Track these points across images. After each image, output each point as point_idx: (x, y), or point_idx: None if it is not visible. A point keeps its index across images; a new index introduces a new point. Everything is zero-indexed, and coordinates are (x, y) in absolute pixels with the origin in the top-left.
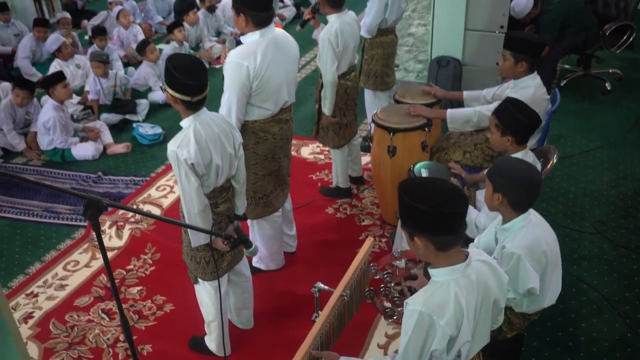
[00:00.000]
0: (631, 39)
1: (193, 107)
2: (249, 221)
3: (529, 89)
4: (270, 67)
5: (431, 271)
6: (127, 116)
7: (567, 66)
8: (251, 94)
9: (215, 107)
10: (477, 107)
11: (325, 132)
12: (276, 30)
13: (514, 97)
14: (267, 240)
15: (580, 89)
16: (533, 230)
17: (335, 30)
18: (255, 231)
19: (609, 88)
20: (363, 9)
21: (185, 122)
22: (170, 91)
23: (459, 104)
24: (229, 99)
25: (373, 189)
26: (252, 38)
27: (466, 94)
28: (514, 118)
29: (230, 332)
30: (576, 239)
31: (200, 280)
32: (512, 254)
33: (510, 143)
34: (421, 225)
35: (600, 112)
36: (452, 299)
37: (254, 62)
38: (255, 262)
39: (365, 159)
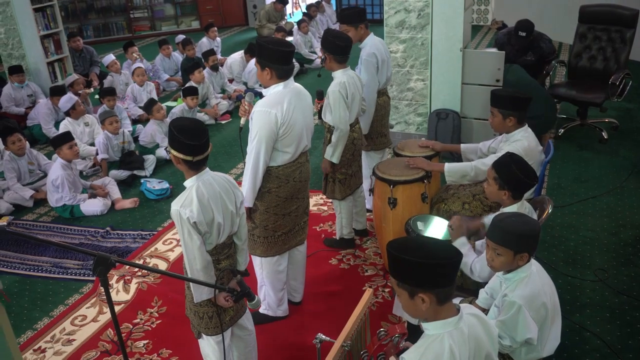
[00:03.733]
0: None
1: (195, 167)
2: (256, 265)
3: (522, 141)
4: (294, 114)
5: (425, 325)
6: (135, 172)
7: (564, 116)
8: (277, 139)
9: (222, 161)
10: (473, 162)
11: (332, 185)
12: (293, 81)
13: (514, 153)
14: (274, 284)
15: (577, 138)
16: (534, 281)
17: (344, 83)
18: (264, 274)
19: (605, 137)
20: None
21: (188, 182)
22: (173, 151)
23: (459, 155)
24: (258, 146)
25: (376, 239)
26: (276, 89)
27: (464, 146)
28: (513, 174)
29: None
30: (578, 287)
31: (203, 335)
32: (513, 303)
33: (506, 197)
34: (425, 280)
35: (598, 161)
36: (446, 352)
37: (281, 110)
38: (263, 309)
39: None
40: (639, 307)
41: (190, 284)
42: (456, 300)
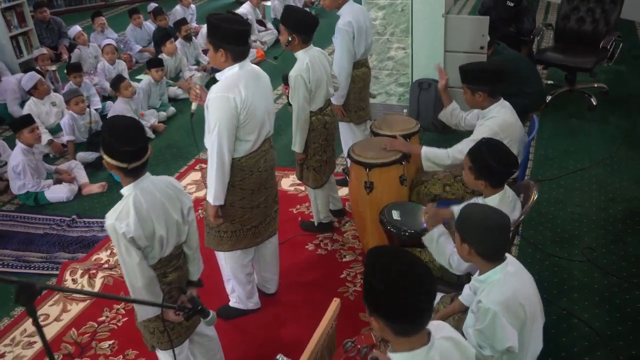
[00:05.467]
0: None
1: (132, 174)
2: (219, 259)
3: (496, 118)
4: (254, 97)
5: (391, 356)
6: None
7: (550, 82)
8: (239, 126)
9: (188, 141)
10: (450, 150)
11: (307, 172)
12: (249, 63)
13: (490, 139)
14: (240, 277)
15: (565, 106)
16: (510, 283)
17: (307, 65)
18: (228, 268)
19: (594, 103)
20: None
21: (125, 190)
22: (105, 157)
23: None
24: (219, 134)
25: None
26: (231, 72)
27: (452, 106)
28: (487, 164)
29: None
30: (565, 268)
31: (157, 349)
32: (487, 310)
33: (484, 186)
34: (376, 306)
35: (587, 130)
36: None
37: (239, 94)
38: (233, 303)
39: (345, 189)
40: (628, 290)
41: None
42: (438, 296)
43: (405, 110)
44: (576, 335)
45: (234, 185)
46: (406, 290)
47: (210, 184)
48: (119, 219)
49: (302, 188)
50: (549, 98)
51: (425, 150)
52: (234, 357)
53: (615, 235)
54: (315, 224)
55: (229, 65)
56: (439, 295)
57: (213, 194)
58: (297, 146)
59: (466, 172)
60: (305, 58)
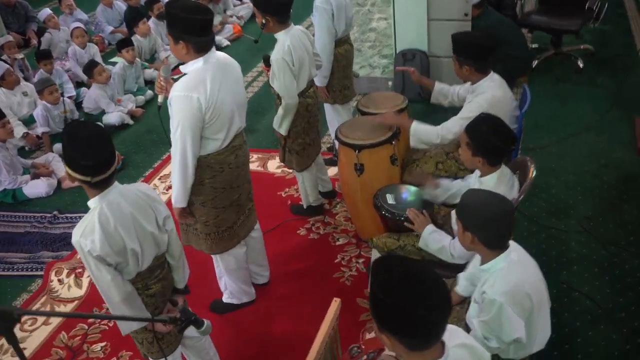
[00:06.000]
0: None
1: (97, 187)
2: (213, 256)
3: (486, 94)
4: (221, 93)
5: None
6: None
7: (535, 45)
8: (204, 126)
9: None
10: (439, 128)
11: (291, 154)
12: (217, 53)
13: (487, 115)
14: (233, 274)
15: (552, 70)
16: (514, 272)
17: (288, 47)
18: (222, 267)
19: (581, 66)
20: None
21: (91, 203)
22: (67, 169)
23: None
24: (182, 136)
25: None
26: (195, 66)
27: (438, 86)
28: (486, 140)
29: None
30: (563, 240)
31: (149, 358)
32: (493, 302)
33: (481, 164)
34: (385, 322)
35: (576, 94)
36: None
37: (204, 92)
38: (227, 298)
39: (334, 169)
40: (627, 259)
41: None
42: None
43: (390, 83)
44: (578, 309)
45: (204, 183)
46: (415, 305)
47: (173, 185)
48: (84, 236)
49: (290, 170)
50: (535, 63)
51: (415, 127)
52: (227, 353)
53: (611, 202)
54: (304, 207)
55: (191, 58)
56: None
57: (174, 197)
58: (282, 129)
59: (463, 149)
60: (286, 39)
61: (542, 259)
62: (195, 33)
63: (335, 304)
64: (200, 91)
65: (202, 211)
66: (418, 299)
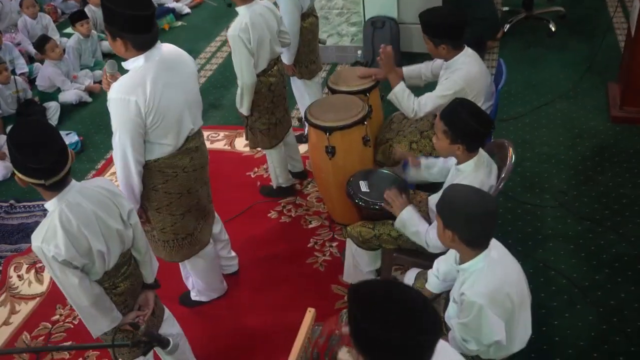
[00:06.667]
0: None
1: (53, 189)
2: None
3: (461, 71)
4: (165, 95)
5: None
6: None
7: (506, 8)
8: (146, 131)
9: None
10: (416, 104)
11: (254, 133)
12: (163, 48)
13: (461, 100)
14: (202, 275)
15: (524, 34)
16: (495, 272)
17: (245, 24)
18: (187, 269)
19: (553, 29)
20: None
21: (49, 206)
22: (17, 173)
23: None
24: (122, 142)
25: None
26: (136, 64)
27: (406, 70)
28: (466, 124)
29: None
30: (538, 216)
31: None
32: (472, 304)
33: (460, 151)
34: (366, 348)
35: (548, 59)
36: None
37: (142, 94)
38: (195, 296)
39: (305, 146)
40: (602, 234)
41: (83, 318)
42: (413, 273)
43: (359, 52)
44: (555, 289)
45: (157, 189)
46: (396, 330)
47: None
48: (46, 241)
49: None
50: (507, 27)
51: (397, 89)
52: (200, 348)
53: (585, 174)
54: (274, 187)
55: (132, 55)
56: (414, 272)
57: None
58: (244, 109)
59: (440, 138)
60: (245, 16)
61: (518, 236)
62: (133, 30)
63: (309, 314)
64: (138, 94)
65: (157, 217)
66: (398, 324)
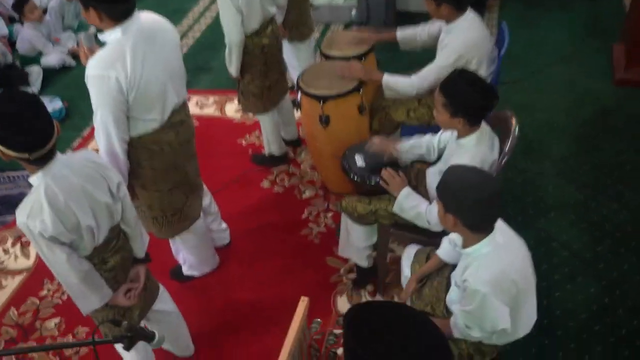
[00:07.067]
0: None
1: (37, 162)
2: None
3: (461, 36)
4: (147, 68)
5: None
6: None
7: None
8: (129, 107)
9: None
10: (415, 79)
11: (247, 97)
12: (142, 17)
13: (462, 71)
14: (193, 250)
15: None
16: (500, 257)
17: None
18: (178, 244)
19: None
20: None
21: (34, 180)
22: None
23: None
24: (103, 121)
25: None
26: (113, 36)
27: (400, 35)
28: (467, 96)
29: None
30: (539, 185)
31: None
32: (476, 292)
33: (461, 125)
34: None
35: (549, 19)
36: None
37: (123, 70)
38: (187, 270)
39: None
40: (604, 203)
41: (72, 296)
42: (412, 250)
43: (353, 11)
44: (556, 261)
45: (142, 165)
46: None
47: None
48: (32, 217)
49: (250, 114)
50: None
51: (387, 80)
52: (194, 326)
53: (587, 141)
54: (266, 154)
55: (108, 27)
56: (413, 249)
57: None
58: (232, 69)
59: (439, 112)
60: None
61: (520, 206)
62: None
63: (303, 303)
64: (118, 69)
65: (144, 194)
66: (396, 351)
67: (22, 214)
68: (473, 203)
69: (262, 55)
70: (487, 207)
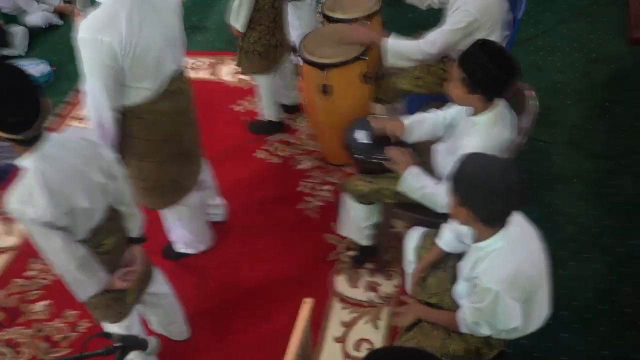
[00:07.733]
0: None
1: (28, 143)
2: (159, 211)
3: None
4: (143, 32)
5: None
6: (4, 52)
7: None
8: (123, 74)
9: None
10: (422, 43)
11: (250, 56)
12: None
13: (484, 41)
14: (187, 224)
15: None
16: (514, 253)
17: None
18: (172, 218)
19: None
20: None
21: (24, 162)
22: None
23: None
24: (94, 89)
25: None
26: None
27: None
28: (486, 72)
29: (164, 345)
30: (548, 155)
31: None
32: (488, 290)
33: (480, 101)
34: None
35: None
36: None
37: (117, 34)
38: (180, 247)
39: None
40: (616, 173)
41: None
42: (417, 233)
43: None
44: (562, 236)
45: (135, 136)
46: None
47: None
48: (24, 202)
49: (247, 77)
50: None
51: (391, 43)
52: (189, 307)
53: (601, 107)
54: (264, 119)
55: None
56: (418, 232)
57: None
58: (239, 24)
59: (456, 86)
60: None
61: (525, 177)
62: None
63: (306, 305)
64: (112, 33)
65: (137, 166)
66: None
67: (13, 200)
68: (491, 195)
69: (272, 11)
70: (506, 200)
